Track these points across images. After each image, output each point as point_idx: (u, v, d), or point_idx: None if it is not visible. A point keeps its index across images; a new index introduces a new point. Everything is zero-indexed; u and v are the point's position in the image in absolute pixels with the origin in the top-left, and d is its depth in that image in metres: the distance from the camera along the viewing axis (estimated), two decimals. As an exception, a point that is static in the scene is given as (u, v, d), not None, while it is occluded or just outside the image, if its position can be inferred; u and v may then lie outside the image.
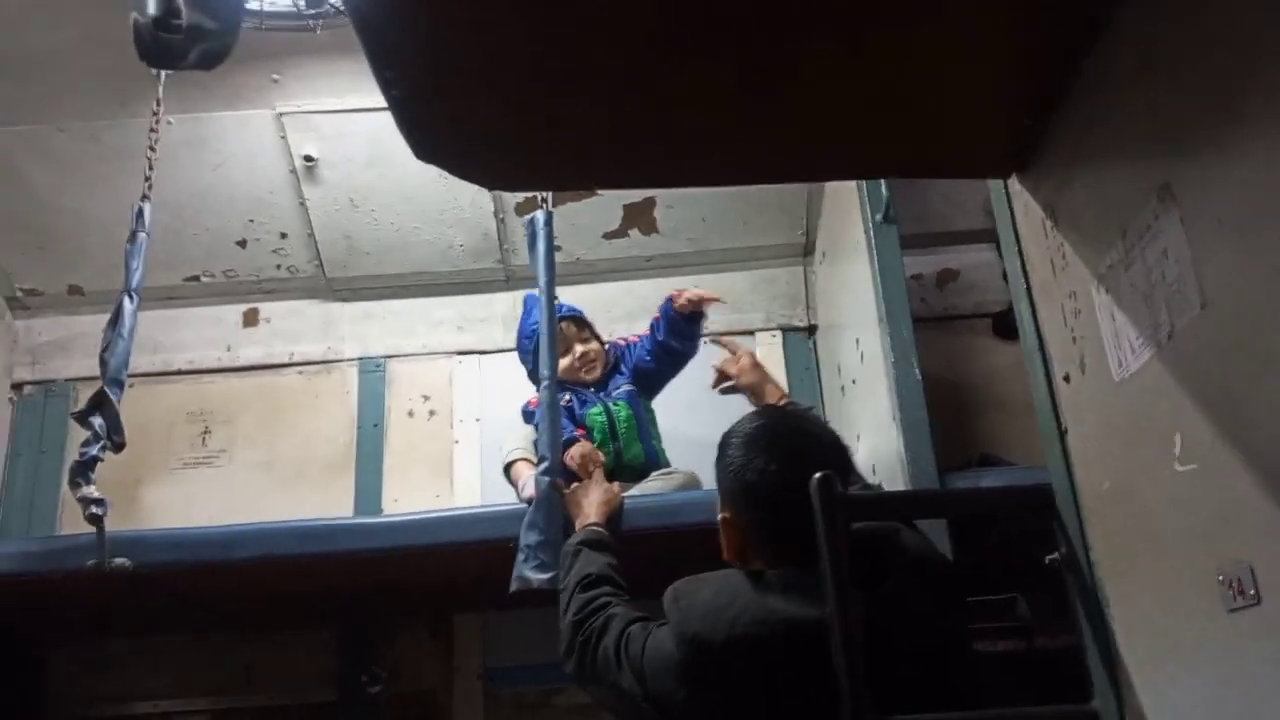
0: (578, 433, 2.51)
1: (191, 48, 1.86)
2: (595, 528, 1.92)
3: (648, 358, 2.67)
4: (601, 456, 2.33)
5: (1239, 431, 0.87)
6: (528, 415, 2.61)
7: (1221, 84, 0.86)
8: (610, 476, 2.47)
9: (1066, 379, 1.21)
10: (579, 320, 2.68)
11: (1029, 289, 1.30)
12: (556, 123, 1.19)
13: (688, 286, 2.64)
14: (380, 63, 1.07)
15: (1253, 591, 0.85)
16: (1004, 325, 2.90)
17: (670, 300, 2.62)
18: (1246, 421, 0.86)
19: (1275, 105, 0.79)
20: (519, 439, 2.55)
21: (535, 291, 2.77)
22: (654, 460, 2.58)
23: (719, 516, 1.46)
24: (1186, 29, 0.91)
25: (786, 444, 1.41)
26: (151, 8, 1.81)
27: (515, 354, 2.88)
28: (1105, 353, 1.10)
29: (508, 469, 2.51)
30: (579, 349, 2.64)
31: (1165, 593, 1.01)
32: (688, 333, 2.63)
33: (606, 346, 2.74)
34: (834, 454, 1.43)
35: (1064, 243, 1.18)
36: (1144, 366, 1.02)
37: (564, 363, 2.57)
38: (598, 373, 2.66)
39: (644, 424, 2.62)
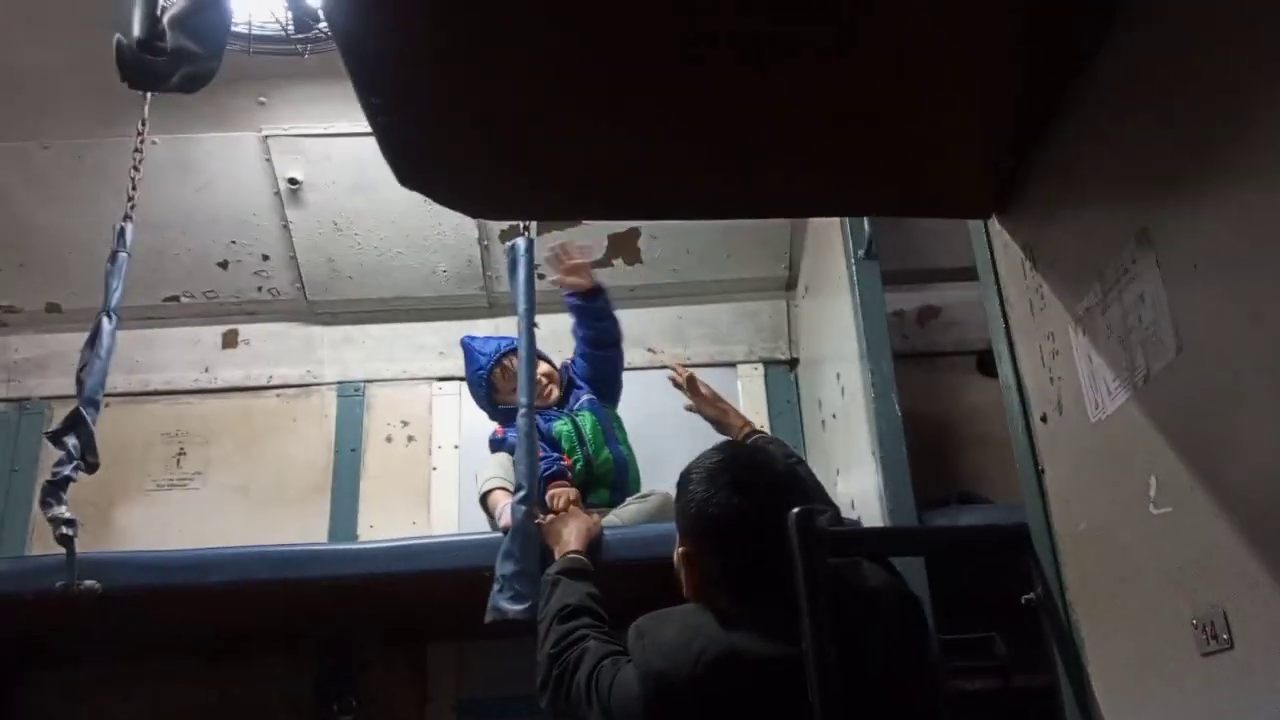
0: (564, 461, 2.50)
1: (175, 70, 1.85)
2: (576, 555, 1.91)
3: (581, 360, 2.71)
4: (576, 494, 2.31)
5: (1214, 476, 0.88)
6: (495, 444, 2.61)
7: (1199, 131, 0.87)
8: (583, 488, 2.48)
9: (1044, 419, 1.22)
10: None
11: (1008, 329, 1.31)
12: (540, 154, 1.19)
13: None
14: (366, 89, 1.08)
15: (1225, 636, 0.86)
16: (989, 363, 2.91)
17: (566, 294, 2.67)
18: (1221, 466, 0.87)
19: (1252, 154, 0.80)
20: (495, 467, 2.54)
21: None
22: (624, 467, 2.60)
23: (677, 551, 1.45)
24: (1164, 76, 0.92)
25: (748, 478, 1.41)
26: (136, 29, 1.80)
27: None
28: (1082, 394, 1.10)
29: (484, 498, 2.49)
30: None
31: (1140, 635, 1.01)
32: (591, 312, 2.67)
33: (559, 367, 2.76)
34: (788, 491, 1.41)
35: (1042, 284, 1.19)
36: (1120, 409, 1.02)
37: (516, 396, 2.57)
38: (555, 396, 2.67)
39: (610, 430, 2.64)
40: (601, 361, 2.71)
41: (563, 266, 2.64)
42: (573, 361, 2.76)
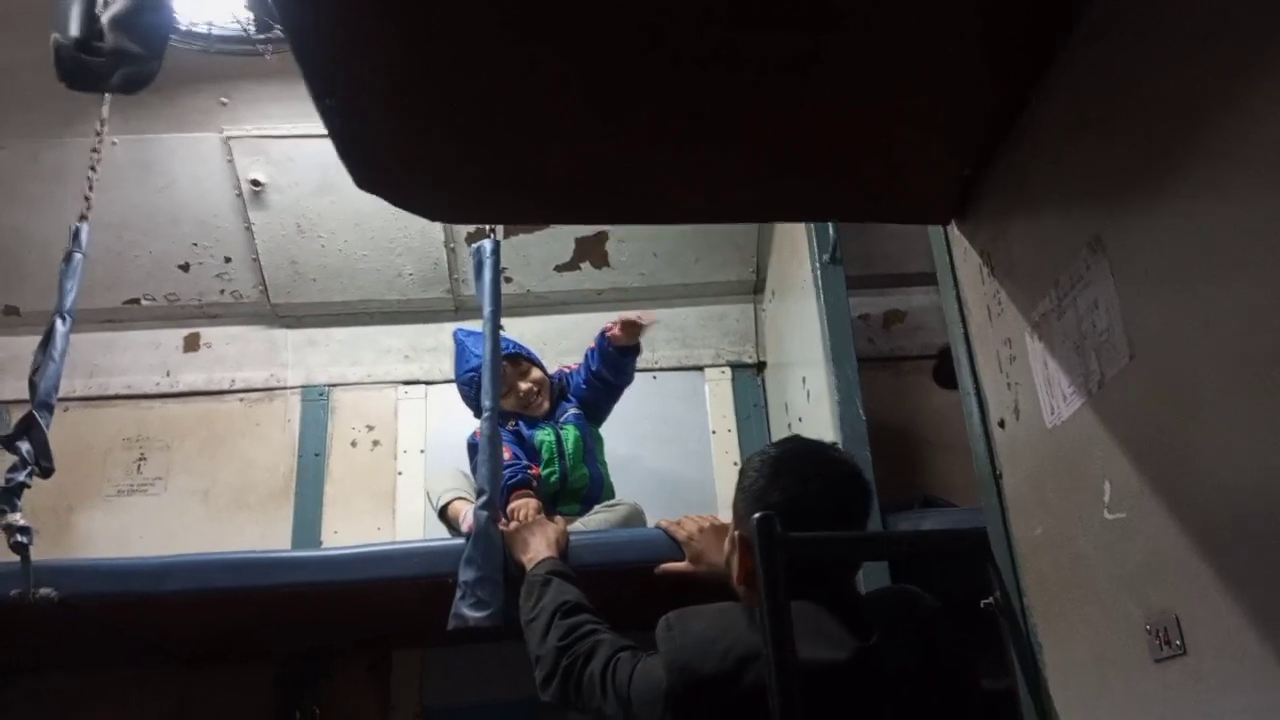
0: (531, 470, 2.48)
1: (113, 71, 1.81)
2: (556, 560, 1.90)
3: (584, 386, 2.69)
4: (537, 506, 2.30)
5: (1166, 482, 0.88)
6: (473, 448, 2.57)
7: (1150, 141, 0.88)
8: (554, 498, 2.47)
9: (1001, 424, 1.22)
10: (514, 358, 2.64)
11: (966, 334, 1.31)
12: (502, 157, 1.18)
13: (629, 313, 2.64)
14: (320, 91, 1.06)
15: (1179, 642, 0.86)
16: (943, 374, 2.92)
17: (604, 333, 2.62)
18: (1173, 472, 0.87)
19: (1202, 164, 0.81)
20: (448, 479, 2.52)
21: (464, 326, 2.78)
22: (599, 484, 2.59)
23: (731, 535, 1.46)
24: (1121, 85, 0.93)
25: (813, 469, 1.41)
26: (73, 29, 1.77)
27: (463, 384, 2.86)
28: (1039, 399, 1.11)
29: (443, 511, 2.46)
30: (521, 388, 2.62)
31: (1096, 640, 1.02)
32: (621, 365, 2.65)
33: (552, 376, 2.73)
34: (857, 484, 1.43)
35: (1000, 290, 1.19)
36: (1075, 414, 1.03)
37: (508, 403, 2.56)
38: (544, 407, 2.65)
39: (591, 448, 2.63)
40: (605, 395, 2.70)
41: (626, 319, 2.59)
42: (571, 375, 2.74)
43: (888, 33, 0.99)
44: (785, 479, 1.39)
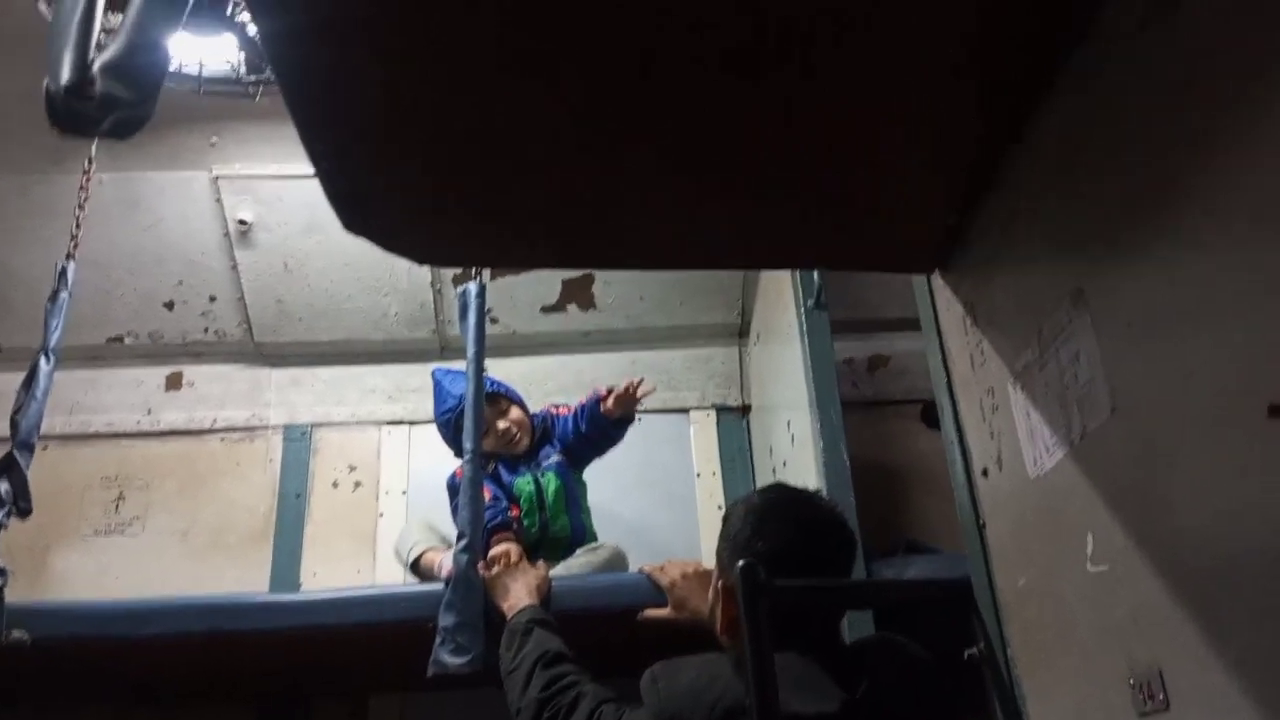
0: (512, 512, 2.45)
1: (104, 116, 1.82)
2: (538, 608, 1.88)
3: (570, 437, 2.62)
4: (519, 550, 2.25)
5: (1148, 535, 0.89)
6: (453, 489, 2.53)
7: (1134, 191, 0.89)
8: (535, 548, 2.44)
9: (985, 473, 1.22)
10: (493, 397, 2.58)
11: (950, 383, 1.32)
12: (490, 202, 1.19)
13: (628, 378, 2.59)
14: (310, 134, 1.06)
15: (1161, 696, 0.86)
16: (931, 415, 2.93)
17: (598, 398, 2.56)
18: (1155, 525, 0.87)
19: (1183, 218, 0.82)
20: (416, 533, 2.50)
21: (442, 366, 2.75)
22: (580, 534, 2.54)
23: (715, 585, 1.44)
24: (1102, 137, 0.94)
25: (798, 518, 1.40)
26: (64, 75, 1.77)
27: (446, 426, 2.84)
28: (1021, 449, 1.11)
29: (415, 564, 2.42)
30: (499, 427, 2.57)
31: (1079, 693, 1.02)
32: (611, 434, 2.59)
33: (536, 415, 2.69)
34: (842, 534, 1.42)
35: (983, 339, 1.20)
36: (1057, 465, 1.03)
37: (487, 443, 2.51)
38: (524, 445, 2.61)
39: (573, 497, 2.58)
40: (591, 450, 2.64)
41: (625, 389, 2.53)
42: (558, 419, 2.67)
43: (872, 82, 1.00)
44: (770, 527, 1.38)
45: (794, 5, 0.91)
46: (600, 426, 2.57)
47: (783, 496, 1.49)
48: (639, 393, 2.53)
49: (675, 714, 1.26)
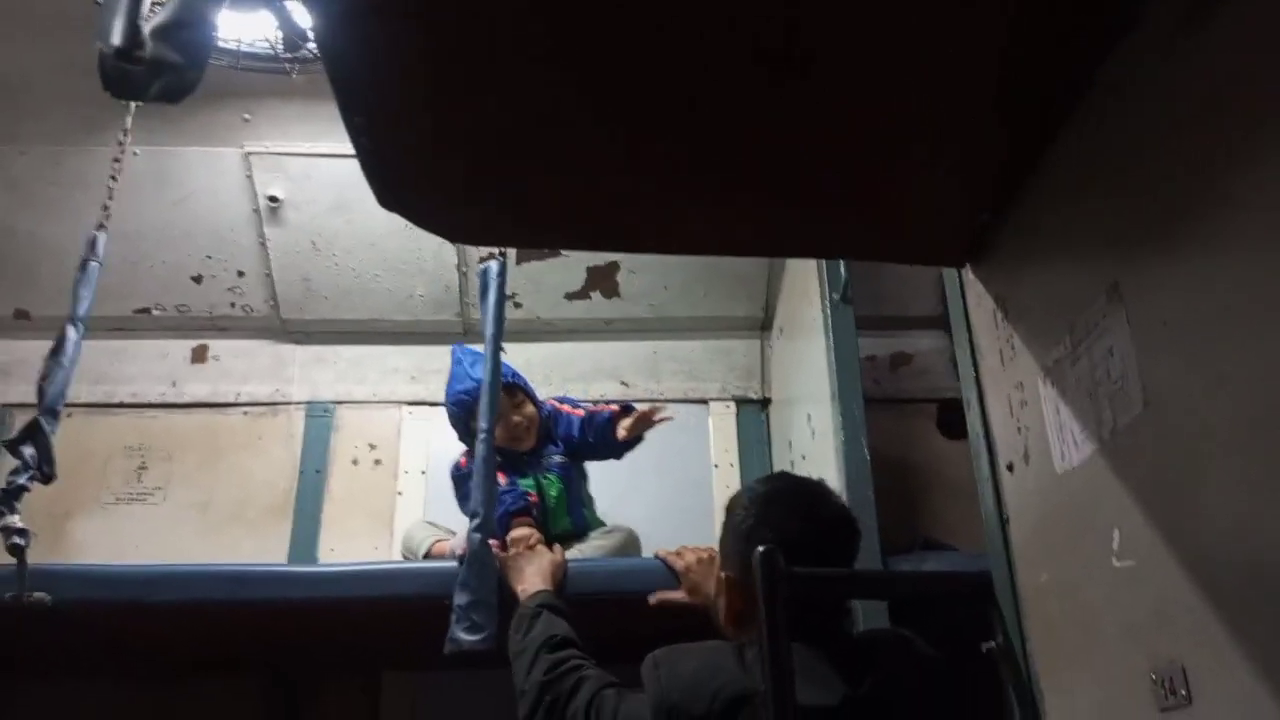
0: (530, 498, 2.43)
1: (153, 81, 1.84)
2: (549, 593, 1.89)
3: (574, 440, 2.58)
4: (538, 535, 2.22)
5: (1176, 532, 0.88)
6: (458, 479, 2.53)
7: (1171, 190, 0.89)
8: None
9: (1010, 468, 1.22)
10: (511, 388, 2.55)
11: (978, 377, 1.31)
12: (523, 182, 1.19)
13: (648, 406, 2.56)
14: (351, 110, 1.07)
15: (1184, 692, 0.86)
16: (946, 423, 2.90)
17: (612, 416, 2.53)
18: (1183, 523, 0.87)
19: (1220, 221, 0.82)
20: (421, 531, 2.50)
21: (463, 344, 2.71)
22: (581, 527, 2.51)
23: (719, 576, 1.44)
24: (1140, 137, 0.94)
25: (804, 508, 1.40)
26: (115, 38, 1.79)
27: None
28: (1049, 444, 1.11)
29: (427, 556, 2.41)
30: (513, 419, 2.54)
31: (1100, 689, 1.01)
32: (618, 452, 2.57)
33: (545, 410, 2.65)
34: (848, 524, 1.43)
35: (1013, 334, 1.20)
36: (1086, 461, 1.03)
37: (497, 432, 2.51)
38: (530, 443, 2.57)
39: (575, 497, 2.55)
40: (590, 456, 2.63)
41: (642, 416, 2.50)
42: (562, 418, 2.63)
43: (906, 86, 1.00)
44: (776, 517, 1.38)
45: (826, 9, 0.91)
46: (608, 443, 2.54)
47: (788, 486, 1.49)
48: (653, 419, 2.50)
49: (676, 703, 1.26)
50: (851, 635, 1.47)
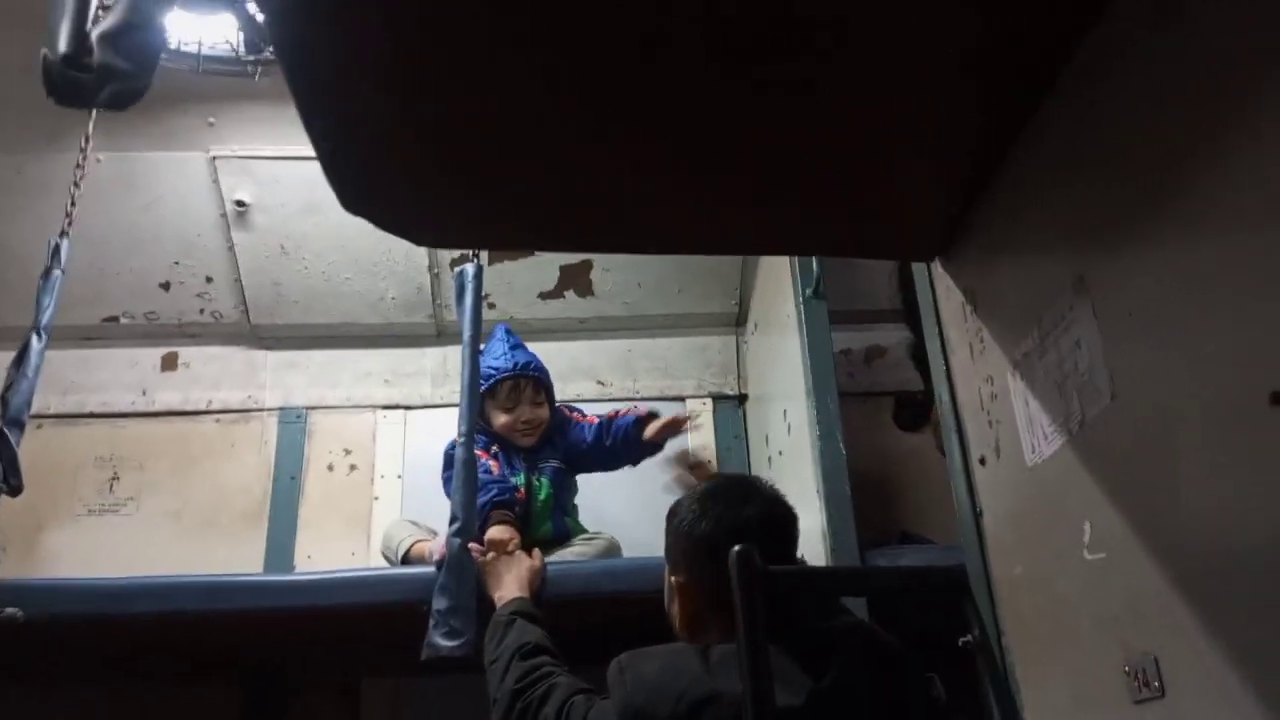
0: (518, 494, 2.40)
1: (102, 87, 1.81)
2: (524, 600, 1.88)
3: (585, 447, 2.56)
4: (516, 537, 2.19)
5: (1146, 523, 0.88)
6: (450, 459, 2.46)
7: (1135, 182, 0.89)
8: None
9: (982, 461, 1.22)
10: (538, 382, 2.56)
11: (949, 371, 1.31)
12: (488, 184, 1.18)
13: (666, 415, 2.53)
14: (310, 112, 1.06)
15: (1157, 684, 0.86)
16: (902, 416, 2.89)
17: (638, 420, 2.50)
18: (1153, 514, 0.87)
19: (1188, 206, 0.82)
20: (401, 530, 2.46)
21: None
22: (562, 534, 2.49)
23: (670, 581, 1.44)
24: (1107, 128, 0.94)
25: (741, 494, 1.43)
26: (62, 45, 1.76)
27: (442, 410, 2.83)
28: (1020, 437, 1.11)
29: (406, 557, 2.37)
30: (527, 413, 2.53)
31: (1074, 681, 1.02)
32: (635, 456, 2.55)
33: (556, 415, 2.63)
34: (784, 508, 1.46)
35: (982, 327, 1.20)
36: (1056, 453, 1.03)
37: (505, 419, 2.50)
38: (531, 441, 2.55)
39: (560, 503, 2.53)
40: (602, 466, 2.61)
41: (673, 421, 2.48)
42: (572, 422, 2.61)
43: (877, 78, 1.00)
44: (715, 508, 1.41)
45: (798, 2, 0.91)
46: (631, 447, 2.51)
47: (723, 481, 1.56)
48: (686, 425, 2.49)
49: (642, 708, 1.27)
50: (816, 628, 1.47)
